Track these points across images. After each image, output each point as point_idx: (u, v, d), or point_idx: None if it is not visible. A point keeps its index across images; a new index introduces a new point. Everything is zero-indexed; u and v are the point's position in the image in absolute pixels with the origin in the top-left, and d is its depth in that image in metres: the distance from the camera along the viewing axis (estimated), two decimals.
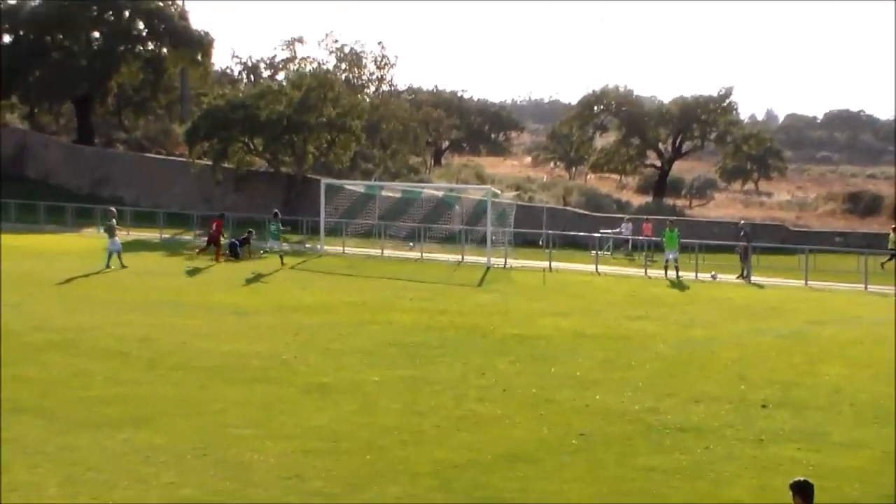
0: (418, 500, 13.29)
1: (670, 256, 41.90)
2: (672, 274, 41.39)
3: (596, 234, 50.57)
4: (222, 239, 44.47)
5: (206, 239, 45.53)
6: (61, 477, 13.83)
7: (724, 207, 79.64)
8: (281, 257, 43.20)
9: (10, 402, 17.86)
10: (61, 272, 37.28)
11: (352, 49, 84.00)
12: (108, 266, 38.87)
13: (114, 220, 40.75)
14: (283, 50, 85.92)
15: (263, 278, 37.99)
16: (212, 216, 47.88)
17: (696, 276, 41.58)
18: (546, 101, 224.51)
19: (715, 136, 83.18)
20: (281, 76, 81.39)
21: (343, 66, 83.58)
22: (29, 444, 15.34)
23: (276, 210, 46.44)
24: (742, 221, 54.65)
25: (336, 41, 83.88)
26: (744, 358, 23.66)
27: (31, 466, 14.24)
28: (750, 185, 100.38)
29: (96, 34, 77.53)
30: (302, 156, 62.85)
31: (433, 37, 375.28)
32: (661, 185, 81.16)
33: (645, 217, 57.17)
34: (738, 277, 41.73)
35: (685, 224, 54.78)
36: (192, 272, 39.75)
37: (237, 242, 45.06)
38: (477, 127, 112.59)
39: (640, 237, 51.92)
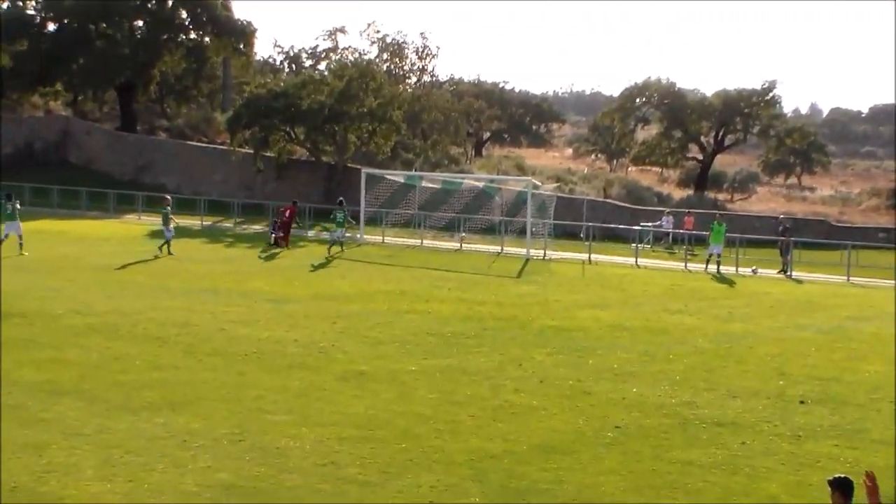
0: (453, 489, 13.30)
1: (714, 250, 41.69)
2: (713, 268, 41.19)
3: (636, 227, 50.38)
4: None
5: (281, 232, 45.89)
6: (99, 459, 13.94)
7: (766, 202, 79.10)
8: (330, 247, 43.28)
9: (50, 385, 18.02)
10: (102, 257, 37.59)
11: (394, 39, 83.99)
12: (160, 250, 39.50)
13: (168, 208, 41.28)
14: (325, 40, 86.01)
15: (303, 266, 38.12)
16: (279, 204, 49.13)
17: (737, 270, 41.37)
18: (588, 93, 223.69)
19: (758, 129, 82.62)
20: (323, 66, 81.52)
21: (385, 56, 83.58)
22: (68, 426, 15.47)
23: (342, 199, 46.57)
24: (781, 216, 54.31)
25: (378, 31, 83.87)
26: (783, 353, 23.51)
27: (70, 448, 14.36)
28: (793, 180, 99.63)
29: (139, 23, 78.12)
30: (343, 145, 63.02)
31: (475, 28, 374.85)
32: (702, 179, 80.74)
33: (687, 210, 56.89)
34: (778, 272, 41.48)
35: (726, 218, 54.46)
36: (268, 258, 40.33)
37: (273, 229, 45.70)
38: (518, 118, 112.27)
39: (681, 230, 51.71)
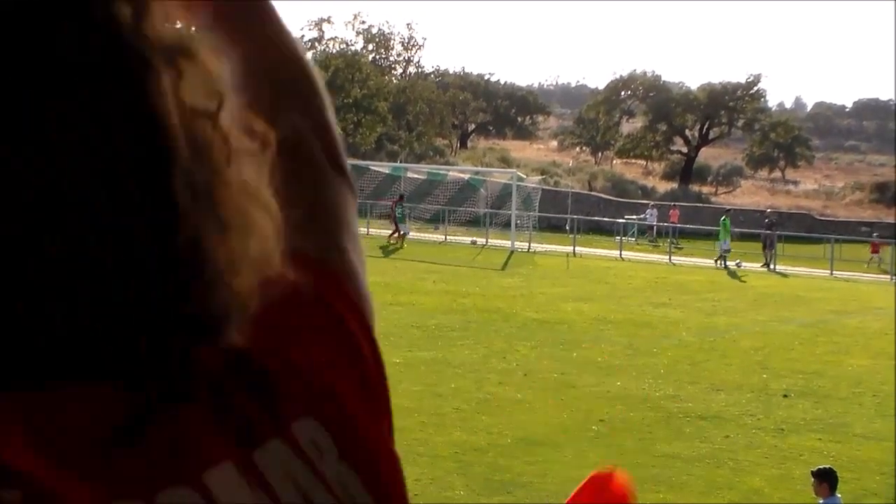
0: (437, 482, 13.31)
1: (724, 246, 41.26)
2: (731, 264, 40.82)
3: (621, 220, 50.49)
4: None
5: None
6: None
7: (750, 195, 79.37)
8: (402, 238, 44.80)
9: None
10: None
11: (379, 30, 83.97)
12: None
13: None
14: (310, 30, 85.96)
15: None
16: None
17: (723, 263, 41.48)
18: (573, 85, 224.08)
19: (742, 123, 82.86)
20: (308, 56, 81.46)
21: (370, 47, 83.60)
22: None
23: (402, 193, 47.37)
24: (768, 210, 54.50)
25: (364, 22, 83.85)
26: (766, 347, 23.59)
27: None
28: (776, 174, 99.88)
29: None
30: None
31: (461, 19, 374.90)
32: (687, 172, 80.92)
33: (672, 203, 57.02)
34: (762, 266, 41.61)
35: (711, 211, 54.60)
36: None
37: None
38: (503, 110, 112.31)
39: (666, 224, 51.83)
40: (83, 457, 0.80)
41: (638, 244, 50.04)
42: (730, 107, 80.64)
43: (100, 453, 0.80)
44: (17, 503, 0.75)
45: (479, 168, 64.77)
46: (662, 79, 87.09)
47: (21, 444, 0.79)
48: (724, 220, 42.31)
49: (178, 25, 0.86)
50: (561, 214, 53.02)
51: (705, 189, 79.78)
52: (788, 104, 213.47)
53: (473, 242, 47.45)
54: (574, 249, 43.86)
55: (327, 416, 0.93)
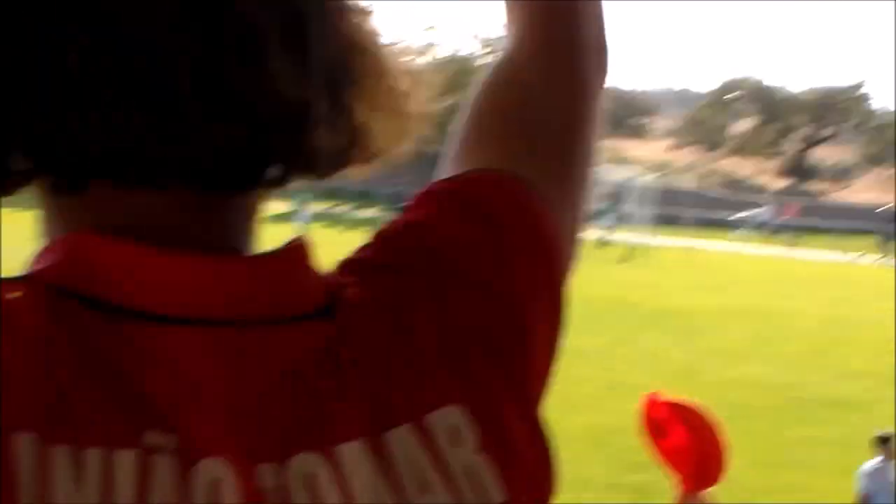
0: (570, 462, 13.60)
1: None
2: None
3: (736, 216, 50.23)
4: None
5: None
6: None
7: (864, 192, 78.18)
8: None
9: None
10: None
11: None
12: None
13: None
14: None
15: None
16: None
17: (842, 257, 41.13)
18: (676, 89, 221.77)
19: (852, 123, 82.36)
20: None
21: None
22: None
23: None
24: (887, 206, 53.80)
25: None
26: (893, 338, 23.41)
27: None
28: (890, 171, 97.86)
29: None
30: None
31: None
32: (799, 170, 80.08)
33: (786, 200, 56.55)
34: (877, 259, 41.23)
35: (823, 208, 54.04)
36: None
37: None
38: (616, 112, 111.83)
39: (781, 219, 51.50)
40: (241, 413, 0.76)
41: (755, 239, 49.73)
42: (839, 108, 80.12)
43: (254, 407, 0.77)
44: (171, 449, 0.71)
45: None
46: (766, 83, 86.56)
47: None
48: None
49: None
50: (677, 210, 52.89)
51: (818, 186, 78.81)
52: (892, 106, 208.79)
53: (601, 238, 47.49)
54: (691, 244, 43.74)
55: (474, 403, 0.86)
